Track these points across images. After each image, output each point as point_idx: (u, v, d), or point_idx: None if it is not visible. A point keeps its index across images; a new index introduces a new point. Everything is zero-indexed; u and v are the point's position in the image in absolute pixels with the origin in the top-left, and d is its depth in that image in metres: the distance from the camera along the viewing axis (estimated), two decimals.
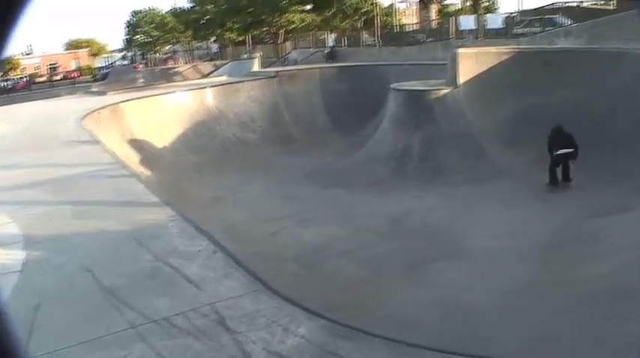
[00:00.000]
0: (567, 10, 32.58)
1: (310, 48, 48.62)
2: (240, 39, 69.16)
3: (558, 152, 13.43)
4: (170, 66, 53.92)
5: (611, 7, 30.04)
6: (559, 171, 13.51)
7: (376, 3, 53.20)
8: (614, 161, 13.11)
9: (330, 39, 41.79)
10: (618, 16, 23.84)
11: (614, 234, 9.52)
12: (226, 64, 39.10)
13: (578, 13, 30.75)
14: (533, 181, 13.33)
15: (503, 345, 6.14)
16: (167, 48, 78.98)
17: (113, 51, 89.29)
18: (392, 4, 59.81)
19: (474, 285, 8.26)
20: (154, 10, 76.67)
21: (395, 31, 50.95)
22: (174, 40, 75.37)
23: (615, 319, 6.48)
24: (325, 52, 40.08)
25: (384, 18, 56.92)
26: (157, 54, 74.96)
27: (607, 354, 4.46)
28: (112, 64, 70.65)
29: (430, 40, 38.78)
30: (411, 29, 51.02)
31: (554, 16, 32.91)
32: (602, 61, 15.46)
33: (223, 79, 24.99)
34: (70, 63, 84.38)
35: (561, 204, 11.90)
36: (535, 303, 7.55)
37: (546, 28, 30.09)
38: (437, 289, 8.18)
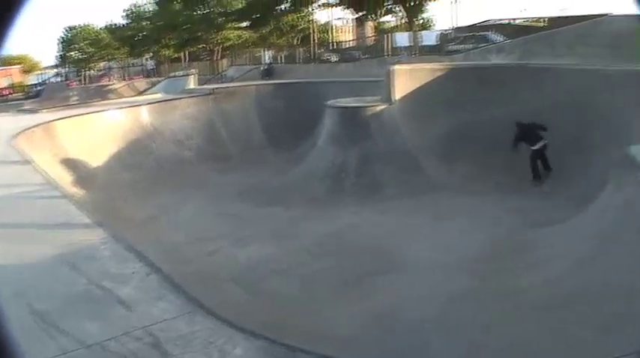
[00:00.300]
0: (500, 28, 33.44)
1: (247, 65, 48.63)
2: (177, 56, 68.80)
3: (535, 147, 14.08)
4: (105, 83, 53.16)
5: (542, 25, 30.90)
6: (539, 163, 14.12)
7: (312, 20, 53.49)
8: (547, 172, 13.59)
9: (267, 56, 41.86)
10: (549, 32, 24.65)
11: (550, 244, 9.76)
12: (162, 81, 38.74)
13: (510, 30, 31.63)
14: (468, 196, 13.54)
15: (442, 356, 6.22)
16: (102, 65, 77.79)
17: (46, 67, 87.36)
18: (328, 22, 60.21)
19: (411, 299, 8.34)
20: (88, 26, 75.39)
21: (331, 47, 51.29)
22: (109, 57, 74.32)
23: (553, 328, 6.63)
24: (262, 69, 40.08)
25: (321, 35, 57.31)
26: (92, 71, 73.89)
27: None
28: (45, 81, 69.12)
29: (366, 56, 39.16)
30: (347, 46, 51.45)
31: (487, 33, 33.71)
32: (532, 76, 15.90)
33: (159, 96, 24.76)
34: (1, 80, 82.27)
35: (497, 216, 12.12)
36: (473, 314, 7.67)
37: (480, 45, 30.73)
38: (374, 304, 8.23)
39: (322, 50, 49.78)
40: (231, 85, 29.30)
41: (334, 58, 42.59)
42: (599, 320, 6.11)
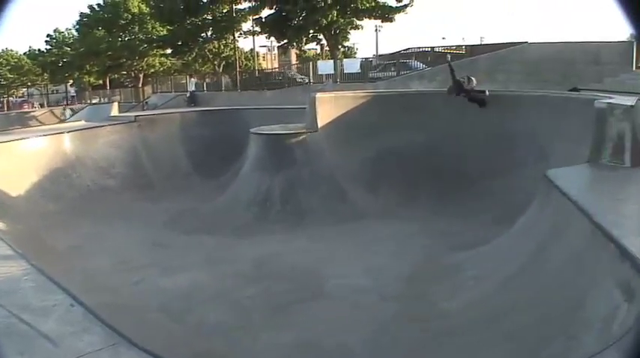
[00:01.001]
0: (421, 55, 34.22)
1: (171, 92, 48.41)
2: (99, 82, 68.00)
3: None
4: (26, 110, 52.03)
5: (463, 52, 31.71)
6: None
7: (236, 47, 53.65)
8: (468, 196, 13.91)
9: (191, 83, 41.72)
10: (469, 59, 25.42)
11: (474, 265, 10.00)
12: (84, 108, 38.13)
13: (431, 58, 32.35)
14: (393, 221, 13.75)
15: None
16: (22, 91, 76.14)
17: None
18: (252, 49, 60.52)
19: (338, 325, 8.41)
20: (9, 51, 73.72)
21: (255, 75, 51.52)
22: (31, 83, 72.80)
23: (472, 351, 6.78)
24: (186, 96, 39.94)
25: (245, 62, 57.51)
26: (12, 97, 72.25)
27: None
28: None
29: (289, 84, 39.48)
30: (272, 73, 51.76)
31: (409, 60, 34.40)
32: (451, 101, 16.31)
33: (81, 123, 24.32)
34: None
35: (422, 240, 12.34)
36: (396, 341, 7.79)
37: (401, 72, 31.38)
38: (302, 330, 8.26)
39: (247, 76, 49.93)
40: (155, 112, 29.04)
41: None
42: (525, 340, 6.28)
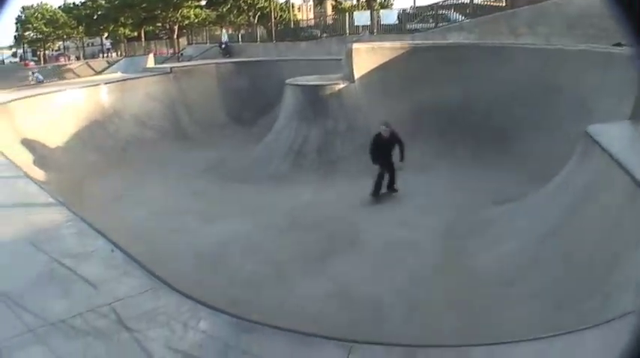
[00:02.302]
0: (460, 7, 33.37)
1: (206, 43, 48.18)
2: (134, 35, 67.83)
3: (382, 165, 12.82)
4: (62, 63, 52.32)
5: (503, 4, 30.95)
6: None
7: None
8: (505, 151, 13.70)
9: (224, 34, 41.45)
10: (509, 12, 24.81)
11: (506, 221, 9.92)
12: (120, 60, 38.26)
13: (470, 9, 31.66)
14: (428, 174, 13.67)
15: (401, 332, 6.34)
16: (58, 44, 76.44)
17: (1, 48, 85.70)
18: (287, 0, 59.99)
19: (372, 276, 8.45)
20: (44, 5, 73.83)
21: (290, 26, 51.05)
22: (66, 37, 72.98)
23: (505, 303, 6.79)
24: (221, 47, 39.78)
25: (280, 13, 57.06)
26: (49, 51, 72.63)
27: (500, 336, 4.68)
28: (1, 61, 67.86)
29: (326, 35, 39.04)
30: (307, 25, 51.22)
31: (448, 11, 33.70)
32: (492, 55, 16.05)
33: (118, 75, 24.45)
34: None
35: (456, 193, 12.28)
36: (429, 291, 7.83)
37: (440, 24, 30.81)
38: (337, 281, 8.32)
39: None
40: (191, 63, 29.07)
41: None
42: (556, 296, 6.27)
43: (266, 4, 53.24)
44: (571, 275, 6.48)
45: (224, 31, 43.25)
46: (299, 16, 70.18)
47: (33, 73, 39.39)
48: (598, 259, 6.26)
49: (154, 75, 21.77)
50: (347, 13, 41.86)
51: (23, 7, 72.71)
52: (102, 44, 75.46)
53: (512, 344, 4.27)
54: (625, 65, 11.44)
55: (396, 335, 5.77)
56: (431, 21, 33.21)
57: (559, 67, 14.34)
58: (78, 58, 63.57)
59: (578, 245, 7.01)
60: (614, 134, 9.08)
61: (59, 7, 74.28)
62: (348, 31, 36.10)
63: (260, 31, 48.67)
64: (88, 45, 77.03)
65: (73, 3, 71.48)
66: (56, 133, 15.91)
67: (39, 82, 34.09)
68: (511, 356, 4.07)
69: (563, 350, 4.02)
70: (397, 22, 35.43)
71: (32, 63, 62.57)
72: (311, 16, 70.77)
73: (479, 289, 7.53)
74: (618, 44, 13.45)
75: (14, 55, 77.03)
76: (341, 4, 64.14)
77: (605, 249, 6.30)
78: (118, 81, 20.97)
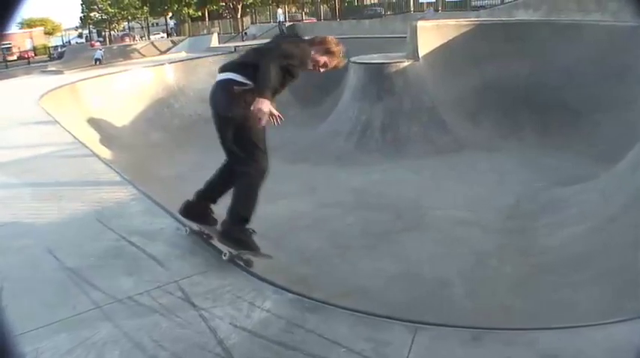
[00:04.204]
0: None
1: (269, 22, 48.41)
2: (198, 14, 68.47)
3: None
4: (127, 43, 53.18)
5: None
6: None
7: None
8: (573, 131, 13.37)
9: (279, 14, 41.49)
10: None
11: (572, 203, 9.67)
12: (184, 39, 38.67)
13: None
14: (494, 154, 13.46)
15: (467, 313, 6.24)
16: (123, 25, 77.70)
17: (68, 29, 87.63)
18: None
19: (437, 256, 8.36)
20: None
21: (354, 4, 50.87)
22: (131, 17, 74.10)
23: (572, 287, 6.62)
24: (284, 25, 39.88)
25: None
26: (114, 31, 73.88)
27: (564, 319, 4.55)
28: (67, 42, 69.38)
29: (389, 13, 38.82)
30: (370, 2, 50.98)
31: None
32: (560, 32, 15.66)
33: (182, 55, 24.73)
34: (24, 42, 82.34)
35: (522, 173, 12.06)
36: (496, 272, 7.70)
37: (505, 1, 30.28)
38: (401, 260, 8.25)
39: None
40: (254, 42, 29.17)
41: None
42: (618, 282, 6.10)
43: None
44: (632, 262, 6.29)
45: (280, 10, 43.24)
46: None
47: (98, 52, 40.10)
48: None
49: (218, 55, 21.92)
50: None
51: None
52: (166, 24, 76.35)
53: (579, 328, 4.15)
54: None
55: (462, 317, 5.67)
56: None
57: (629, 45, 13.87)
58: (143, 38, 64.56)
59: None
60: None
61: None
62: (412, 9, 35.79)
63: (324, 9, 48.58)
64: (152, 25, 78.12)
65: None
66: (122, 113, 16.20)
67: (96, 61, 34.71)
68: (578, 341, 3.94)
69: (631, 336, 3.88)
70: None
71: (98, 43, 63.75)
72: None
73: (545, 271, 7.37)
74: None
75: (80, 36, 78.56)
76: None
77: None
78: (182, 60, 21.20)
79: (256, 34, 43.86)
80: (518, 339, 4.13)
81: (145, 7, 70.47)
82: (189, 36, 46.72)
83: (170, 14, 73.54)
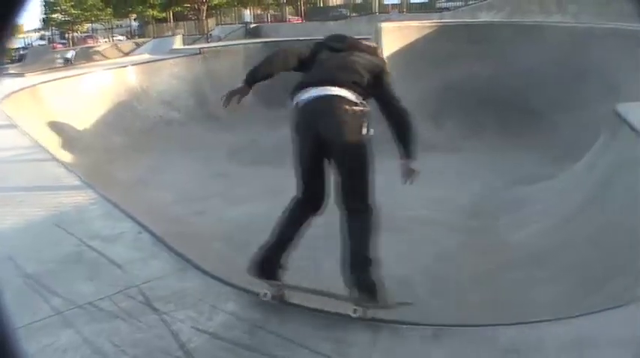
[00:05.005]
0: None
1: (234, 24, 48.26)
2: (162, 16, 67.94)
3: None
4: (90, 45, 52.55)
5: None
6: None
7: None
8: (533, 131, 13.57)
9: (246, 15, 41.53)
10: None
11: (534, 201, 9.83)
12: (148, 41, 38.39)
13: None
14: (456, 154, 13.58)
15: (433, 310, 6.30)
16: (86, 27, 76.69)
17: (29, 31, 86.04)
18: None
19: (401, 256, 8.38)
20: None
21: (319, 5, 50.95)
22: (94, 19, 73.16)
23: (533, 283, 6.72)
24: (249, 27, 39.83)
25: None
26: (76, 33, 72.93)
27: (525, 315, 4.64)
28: (29, 44, 68.28)
29: (355, 14, 38.96)
30: (336, 4, 51.13)
31: None
32: (521, 34, 15.89)
33: (145, 57, 24.54)
34: None
35: (484, 174, 12.19)
36: (459, 270, 7.78)
37: (469, 2, 30.56)
38: None
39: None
40: (219, 44, 29.09)
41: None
42: (584, 276, 6.19)
43: None
44: (600, 255, 6.41)
45: (247, 11, 43.25)
46: None
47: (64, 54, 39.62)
48: (626, 239, 6.17)
49: (182, 56, 21.79)
50: None
51: None
52: (130, 26, 75.68)
53: (539, 323, 4.24)
54: None
55: (425, 315, 5.72)
56: None
57: (588, 47, 14.16)
58: (107, 40, 63.95)
59: (606, 225, 6.92)
60: None
61: None
62: (377, 10, 35.95)
63: (289, 10, 48.58)
64: (116, 27, 77.38)
65: None
66: (83, 115, 16.01)
67: (66, 61, 34.27)
68: (539, 336, 4.03)
69: (591, 330, 3.98)
70: (426, 0, 35.29)
71: (60, 45, 62.94)
72: None
73: (506, 268, 7.47)
74: None
75: (42, 37, 77.44)
76: None
77: (633, 230, 6.22)
78: (145, 62, 21.03)
79: (221, 35, 43.69)
80: (479, 335, 4.21)
81: (108, 9, 69.75)
82: (153, 37, 46.35)
83: (134, 16, 72.93)
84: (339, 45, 5.20)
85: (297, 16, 47.47)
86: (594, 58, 13.67)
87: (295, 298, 4.98)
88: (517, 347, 3.86)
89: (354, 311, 4.51)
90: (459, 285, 7.30)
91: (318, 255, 8.60)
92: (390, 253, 8.49)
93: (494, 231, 8.98)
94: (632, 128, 7.83)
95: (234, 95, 4.89)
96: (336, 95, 4.64)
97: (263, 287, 4.85)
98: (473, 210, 10.18)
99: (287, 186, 12.24)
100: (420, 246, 8.71)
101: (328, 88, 4.64)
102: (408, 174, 4.78)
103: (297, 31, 35.69)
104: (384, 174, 12.26)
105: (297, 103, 4.87)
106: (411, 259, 8.23)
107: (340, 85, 4.66)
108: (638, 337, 3.81)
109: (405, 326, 4.37)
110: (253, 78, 5.23)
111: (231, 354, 3.87)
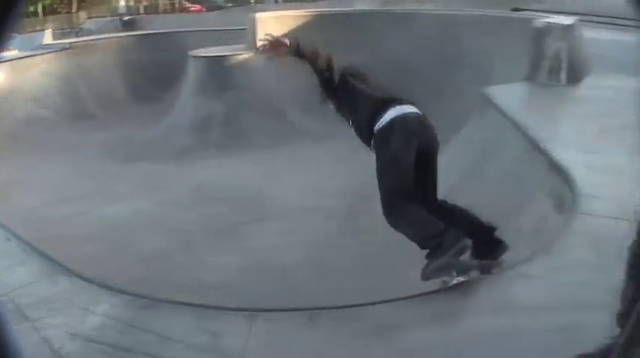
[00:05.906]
0: None
1: (107, 17, 47.01)
2: (31, 9, 65.38)
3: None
4: None
5: None
6: None
7: None
8: None
9: (121, 7, 40.63)
10: None
11: None
12: (15, 37, 36.80)
13: None
14: (333, 141, 13.77)
15: (312, 296, 6.42)
16: None
17: None
18: None
19: (282, 244, 8.53)
20: None
21: None
22: None
23: (413, 264, 6.96)
24: (123, 19, 38.93)
25: None
26: None
27: (407, 293, 4.84)
28: None
29: (230, 5, 38.76)
30: None
31: None
32: (394, 21, 16.27)
33: (12, 53, 23.57)
34: None
35: (358, 159, 12.38)
36: (338, 254, 7.97)
37: None
38: (246, 252, 8.37)
39: None
40: (91, 38, 28.22)
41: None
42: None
43: None
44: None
45: (122, 3, 42.28)
46: None
47: None
48: (499, 209, 6.51)
49: (52, 52, 21.04)
50: None
51: None
52: None
53: (407, 300, 4.59)
54: (522, 28, 11.86)
55: (303, 301, 5.85)
56: None
57: (457, 32, 14.71)
58: None
59: (479, 199, 7.25)
60: (510, 94, 9.46)
61: None
62: (253, 1, 35.91)
63: (163, 1, 47.83)
64: None
65: None
66: None
67: None
68: (405, 312, 4.33)
69: (449, 304, 4.24)
70: None
71: None
72: None
73: (382, 250, 7.68)
74: (516, 9, 13.87)
75: None
76: None
77: (505, 200, 6.58)
78: (12, 59, 20.18)
79: (93, 28, 42.48)
80: (350, 315, 4.39)
81: None
82: (20, 33, 44.60)
83: None
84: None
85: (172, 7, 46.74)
86: (463, 44, 14.22)
87: (165, 293, 4.97)
88: (384, 323, 4.11)
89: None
90: (336, 268, 7.48)
91: (192, 249, 8.64)
92: (270, 243, 8.64)
93: (375, 213, 9.21)
94: (499, 109, 8.27)
95: (278, 47, 5.31)
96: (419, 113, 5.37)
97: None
98: (351, 196, 10.37)
99: (163, 180, 12.22)
100: (300, 234, 8.88)
101: (410, 106, 5.31)
102: None
103: (171, 23, 35.19)
104: (264, 164, 12.42)
105: (395, 118, 5.13)
106: (292, 247, 8.38)
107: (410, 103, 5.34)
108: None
109: (280, 312, 4.48)
110: (298, 52, 5.39)
111: (107, 356, 3.85)
